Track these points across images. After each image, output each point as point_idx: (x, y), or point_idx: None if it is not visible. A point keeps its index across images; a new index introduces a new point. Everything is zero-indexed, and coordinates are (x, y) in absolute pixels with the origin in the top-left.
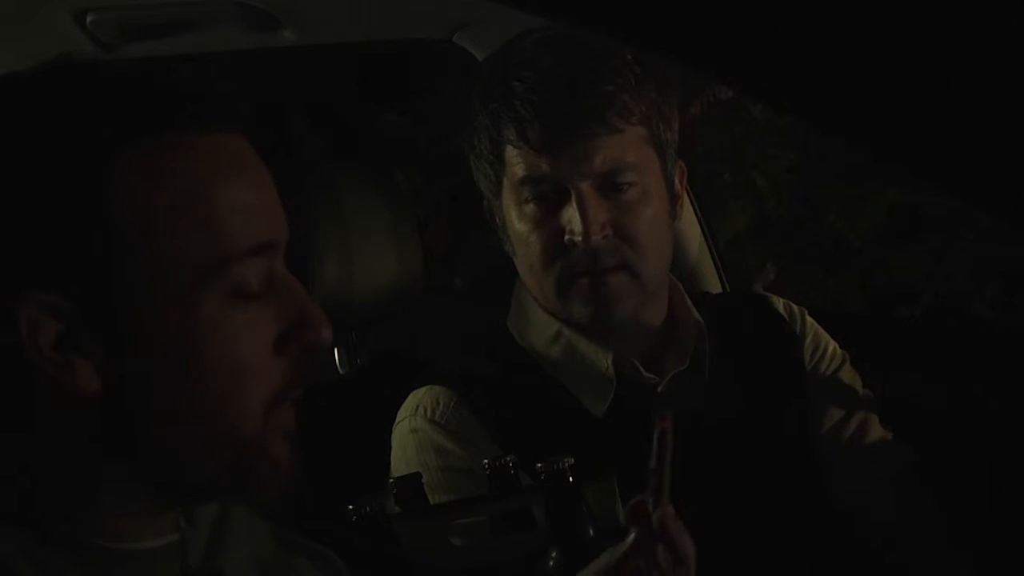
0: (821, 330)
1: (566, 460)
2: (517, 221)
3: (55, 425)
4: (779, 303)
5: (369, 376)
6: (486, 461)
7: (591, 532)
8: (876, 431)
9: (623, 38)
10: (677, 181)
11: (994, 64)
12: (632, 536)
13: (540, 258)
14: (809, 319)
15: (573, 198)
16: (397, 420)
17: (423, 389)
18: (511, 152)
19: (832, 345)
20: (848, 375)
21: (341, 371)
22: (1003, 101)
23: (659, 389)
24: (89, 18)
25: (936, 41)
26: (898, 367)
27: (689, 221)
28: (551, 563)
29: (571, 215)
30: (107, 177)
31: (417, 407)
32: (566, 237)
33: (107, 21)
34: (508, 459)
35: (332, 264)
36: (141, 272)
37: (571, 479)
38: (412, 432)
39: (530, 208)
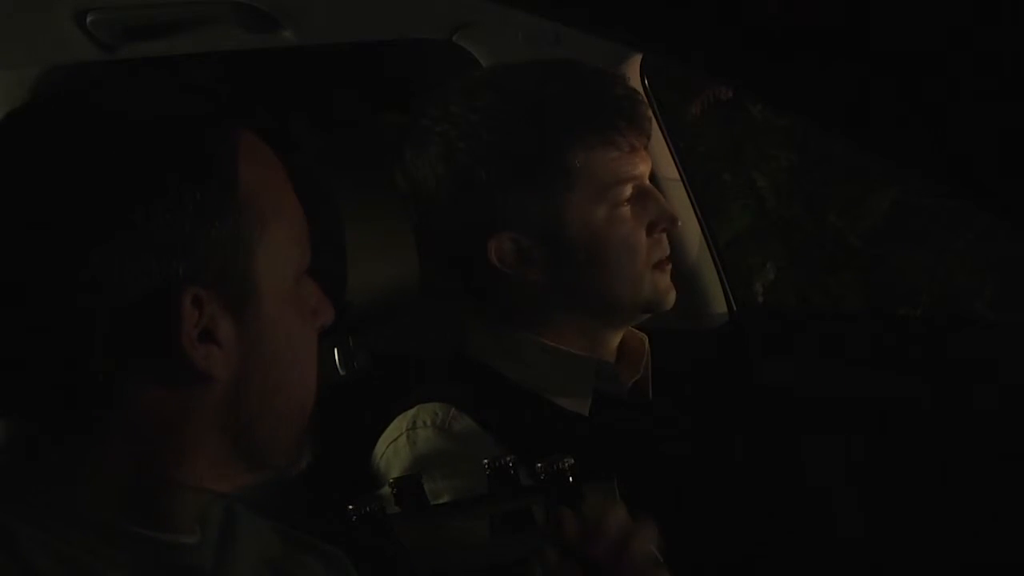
0: None
1: (566, 460)
2: (610, 224)
3: (186, 408)
4: None
5: (367, 378)
6: (486, 461)
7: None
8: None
9: (622, 38)
10: None
11: (994, 64)
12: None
13: (642, 254)
14: None
15: (651, 192)
16: (388, 440)
17: (414, 408)
18: (596, 158)
19: None
20: None
21: (342, 372)
22: (1003, 101)
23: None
24: (89, 18)
25: (936, 41)
26: (898, 367)
27: (689, 221)
28: (551, 563)
29: (657, 207)
30: (235, 187)
31: (415, 421)
32: (659, 228)
33: (107, 21)
34: (508, 459)
35: (329, 265)
36: (262, 269)
37: (571, 479)
38: (412, 444)
39: (627, 210)
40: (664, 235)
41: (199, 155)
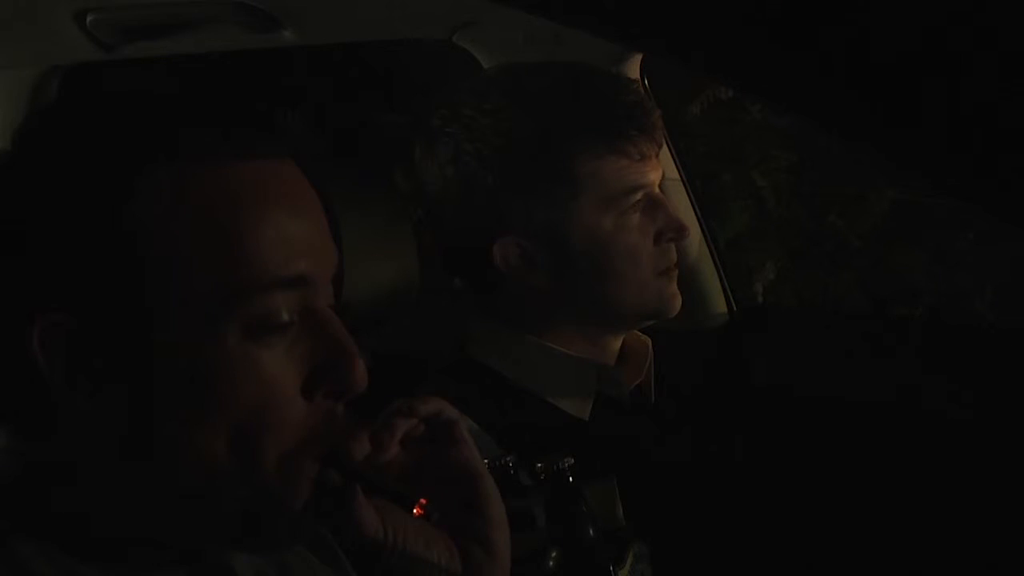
0: None
1: (566, 460)
2: (617, 232)
3: (75, 438)
4: None
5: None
6: (486, 461)
7: (591, 532)
8: None
9: (621, 38)
10: None
11: (994, 64)
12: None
13: (647, 263)
14: None
15: (660, 200)
16: None
17: None
18: (606, 166)
19: None
20: None
21: None
22: (1003, 101)
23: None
24: (89, 18)
25: (936, 41)
26: (898, 367)
27: (689, 221)
28: (551, 563)
29: (666, 217)
30: (129, 199)
31: None
32: (667, 237)
33: (107, 21)
34: (508, 459)
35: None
36: (161, 298)
37: (571, 479)
38: None
39: (636, 217)
40: (672, 244)
41: (82, 188)
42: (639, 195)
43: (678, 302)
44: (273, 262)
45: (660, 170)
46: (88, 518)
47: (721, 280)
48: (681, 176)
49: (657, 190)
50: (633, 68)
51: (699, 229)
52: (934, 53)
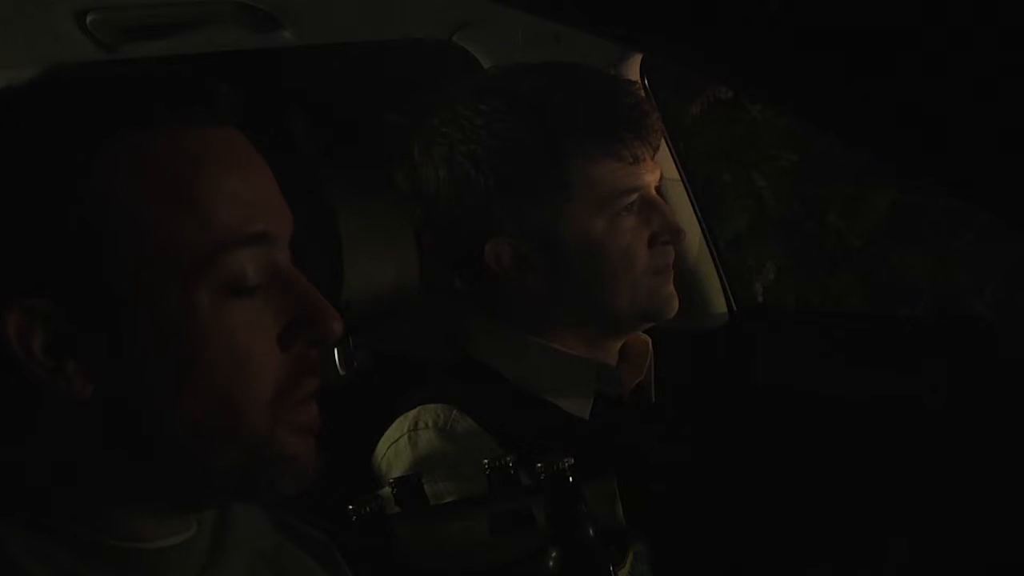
0: None
1: (566, 460)
2: (609, 235)
3: (61, 426)
4: None
5: (367, 378)
6: (486, 461)
7: (591, 532)
8: None
9: (622, 38)
10: None
11: (994, 64)
12: None
13: (641, 266)
14: None
15: (656, 203)
16: (390, 441)
17: (415, 410)
18: (599, 168)
19: None
20: None
21: (341, 373)
22: (1003, 100)
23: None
24: (89, 18)
25: (936, 41)
26: (898, 367)
27: (689, 221)
28: (551, 563)
29: (661, 219)
30: (87, 175)
31: (416, 422)
32: (662, 240)
33: (107, 21)
34: (508, 459)
35: (328, 265)
36: (130, 270)
37: (571, 479)
38: (413, 445)
39: (630, 220)
40: (668, 247)
41: (38, 169)
42: (632, 198)
43: (675, 304)
44: (234, 221)
45: (656, 172)
46: (83, 513)
47: (721, 280)
48: (681, 176)
49: (653, 192)
50: (633, 68)
51: (699, 229)
52: (933, 53)
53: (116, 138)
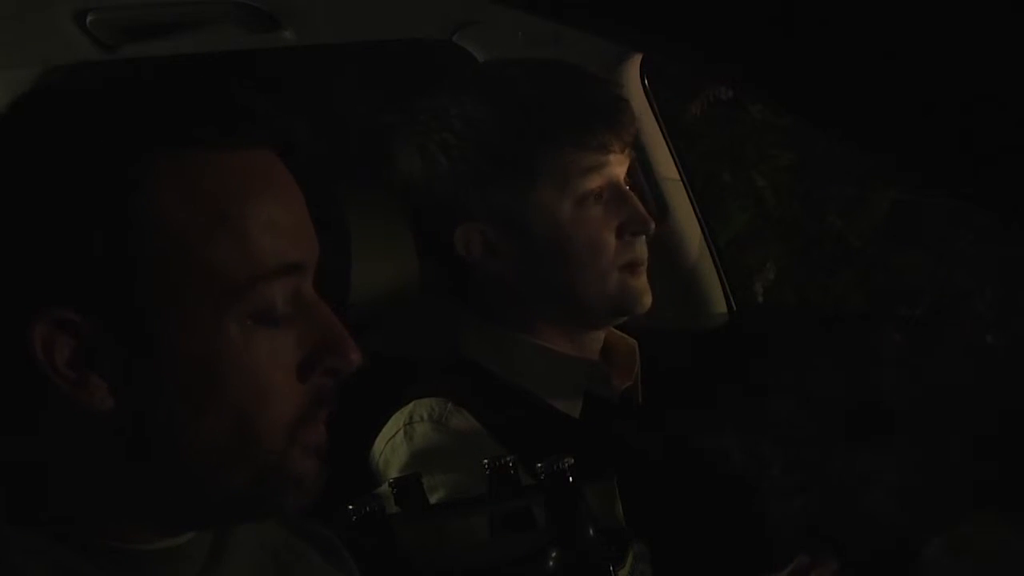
0: None
1: (566, 460)
2: (575, 222)
3: (76, 436)
4: None
5: (367, 378)
6: (486, 461)
7: (591, 532)
8: None
9: (622, 38)
10: None
11: (993, 64)
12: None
13: (608, 255)
14: None
15: (625, 194)
16: (386, 437)
17: (410, 404)
18: (565, 155)
19: None
20: None
21: None
22: (1003, 100)
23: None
24: (89, 18)
25: (936, 42)
26: (898, 367)
27: (689, 221)
28: (551, 563)
29: (629, 210)
30: (131, 191)
31: (411, 416)
32: (630, 231)
33: (107, 21)
34: (508, 459)
35: (328, 265)
36: (163, 290)
37: (571, 479)
38: (409, 438)
39: (598, 209)
40: (637, 239)
41: (82, 180)
42: (596, 183)
43: (647, 299)
44: (271, 250)
45: (626, 165)
46: (89, 518)
47: (721, 280)
48: (681, 176)
49: (623, 184)
50: (633, 68)
51: (699, 229)
52: (933, 53)
53: (159, 153)
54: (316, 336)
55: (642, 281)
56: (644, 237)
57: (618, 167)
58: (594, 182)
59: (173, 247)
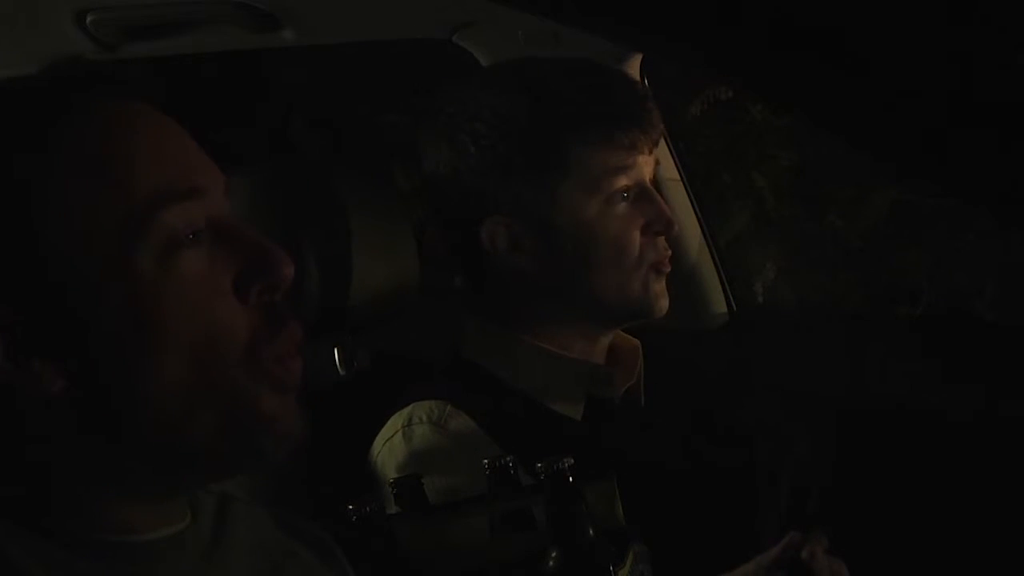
0: None
1: (566, 460)
2: (601, 219)
3: (40, 424)
4: None
5: (367, 378)
6: (486, 461)
7: (591, 532)
8: None
9: (621, 38)
10: None
11: (993, 65)
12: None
13: (633, 253)
14: None
15: (651, 194)
16: (384, 438)
17: (409, 406)
18: (596, 152)
19: None
20: None
21: (341, 373)
22: (1003, 101)
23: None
24: (89, 18)
25: (936, 42)
26: (899, 367)
27: (689, 221)
28: (551, 563)
29: (655, 210)
30: (8, 177)
31: (411, 418)
32: (654, 230)
33: (107, 21)
34: (508, 459)
35: (329, 265)
36: (68, 254)
37: (571, 479)
38: (408, 440)
39: (622, 207)
40: (660, 239)
41: None
42: (624, 181)
43: (665, 303)
44: (156, 181)
45: (652, 165)
46: (78, 508)
47: (721, 280)
48: (681, 176)
49: (649, 184)
50: (633, 68)
51: (699, 229)
52: (933, 53)
53: (27, 135)
54: (242, 255)
55: (662, 285)
56: (666, 238)
57: (645, 167)
58: (622, 181)
59: (60, 211)
